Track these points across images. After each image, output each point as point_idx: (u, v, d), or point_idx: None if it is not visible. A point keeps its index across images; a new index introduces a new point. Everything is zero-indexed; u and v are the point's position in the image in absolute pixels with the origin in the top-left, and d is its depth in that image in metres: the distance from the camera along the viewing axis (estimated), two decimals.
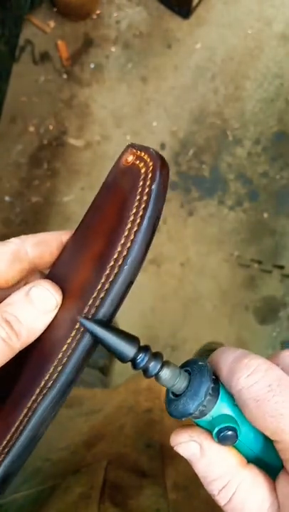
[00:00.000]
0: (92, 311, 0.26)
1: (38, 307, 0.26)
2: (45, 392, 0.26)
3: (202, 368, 0.26)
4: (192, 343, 1.43)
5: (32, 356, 0.28)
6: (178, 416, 0.26)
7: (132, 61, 1.43)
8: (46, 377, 0.26)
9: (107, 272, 0.26)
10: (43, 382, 0.26)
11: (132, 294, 0.28)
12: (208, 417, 0.26)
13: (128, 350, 0.25)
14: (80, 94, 1.43)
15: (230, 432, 0.25)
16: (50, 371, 0.26)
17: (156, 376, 0.26)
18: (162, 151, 1.43)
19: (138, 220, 0.26)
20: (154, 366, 0.25)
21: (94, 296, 0.26)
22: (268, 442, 0.26)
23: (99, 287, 0.26)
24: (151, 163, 0.28)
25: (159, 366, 0.25)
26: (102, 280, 0.26)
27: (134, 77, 1.43)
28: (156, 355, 0.26)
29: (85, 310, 0.26)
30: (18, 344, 0.26)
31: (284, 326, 1.45)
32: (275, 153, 1.44)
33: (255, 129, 1.44)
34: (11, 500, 0.46)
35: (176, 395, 0.26)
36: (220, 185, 1.44)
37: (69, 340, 0.26)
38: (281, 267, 1.45)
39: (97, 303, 0.26)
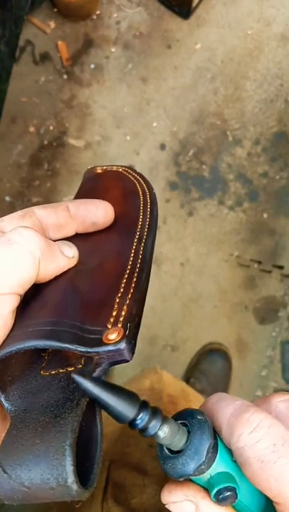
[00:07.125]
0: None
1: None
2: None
3: (202, 423, 0.23)
4: (192, 343, 1.43)
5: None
6: (175, 476, 0.23)
7: (132, 61, 1.43)
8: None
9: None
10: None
11: None
12: (206, 475, 0.23)
13: (128, 411, 0.21)
14: (80, 95, 1.43)
15: (230, 493, 0.23)
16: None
17: (155, 435, 0.22)
18: (162, 152, 1.44)
19: None
20: (153, 426, 0.22)
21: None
22: (266, 500, 0.25)
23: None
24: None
25: (158, 425, 0.22)
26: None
27: (134, 78, 1.43)
28: (156, 413, 0.22)
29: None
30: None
31: (284, 326, 1.46)
32: (274, 154, 1.45)
33: (255, 130, 1.44)
34: None
35: (171, 451, 0.24)
36: (220, 186, 1.45)
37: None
38: (281, 267, 1.46)
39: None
